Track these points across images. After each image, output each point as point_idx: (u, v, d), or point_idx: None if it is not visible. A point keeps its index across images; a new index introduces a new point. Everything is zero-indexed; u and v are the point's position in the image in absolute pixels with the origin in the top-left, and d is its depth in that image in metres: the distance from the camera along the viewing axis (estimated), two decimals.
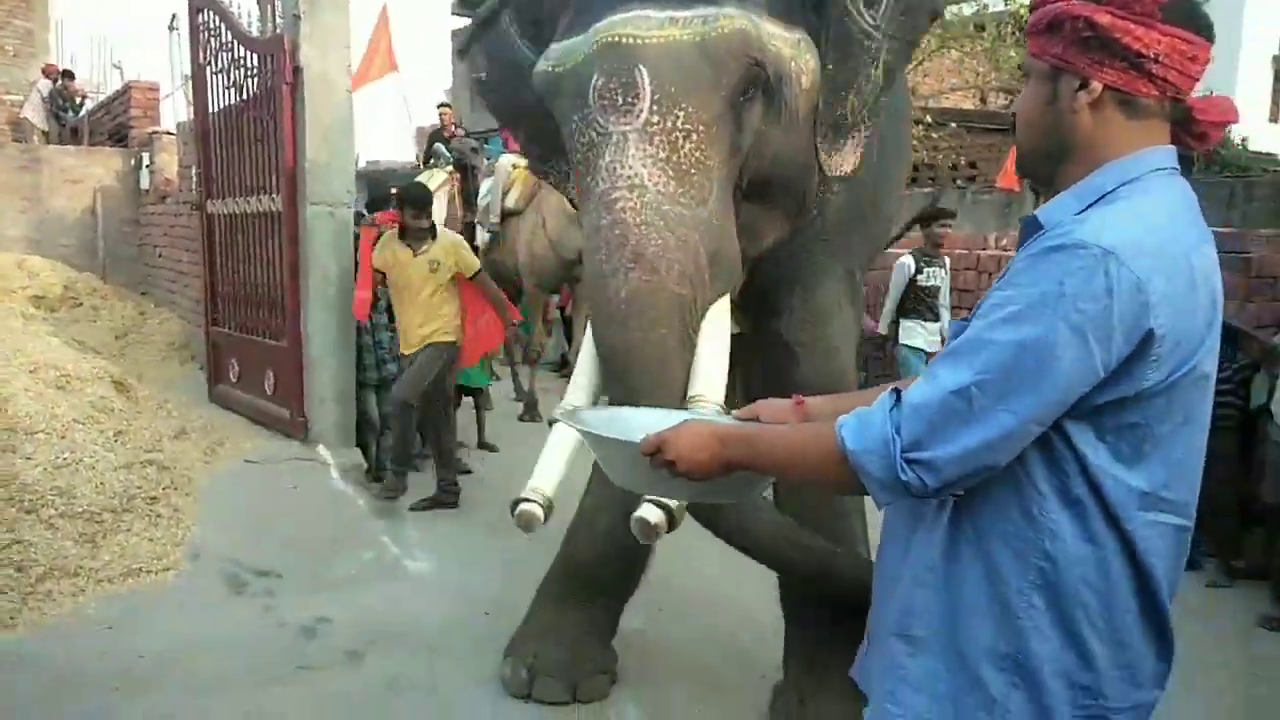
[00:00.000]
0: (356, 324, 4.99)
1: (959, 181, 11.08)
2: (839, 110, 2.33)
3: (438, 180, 8.11)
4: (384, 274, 4.62)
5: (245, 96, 5.38)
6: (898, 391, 1.17)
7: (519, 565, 3.73)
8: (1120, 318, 1.06)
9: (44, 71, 12.19)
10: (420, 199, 4.59)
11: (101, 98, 12.41)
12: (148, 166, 8.57)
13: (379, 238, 4.68)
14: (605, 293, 2.00)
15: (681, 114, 2.01)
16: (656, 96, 2.00)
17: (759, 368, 2.86)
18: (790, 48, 2.17)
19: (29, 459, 3.95)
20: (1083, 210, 1.15)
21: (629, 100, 2.00)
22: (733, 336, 2.84)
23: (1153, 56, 1.13)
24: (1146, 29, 1.13)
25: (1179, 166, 1.20)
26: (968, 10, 10.95)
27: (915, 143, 10.40)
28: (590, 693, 2.92)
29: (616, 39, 2.02)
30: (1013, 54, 11.02)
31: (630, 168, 2.00)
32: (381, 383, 5.11)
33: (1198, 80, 1.18)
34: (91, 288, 8.01)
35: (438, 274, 4.54)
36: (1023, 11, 10.00)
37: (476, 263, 4.72)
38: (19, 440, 4.03)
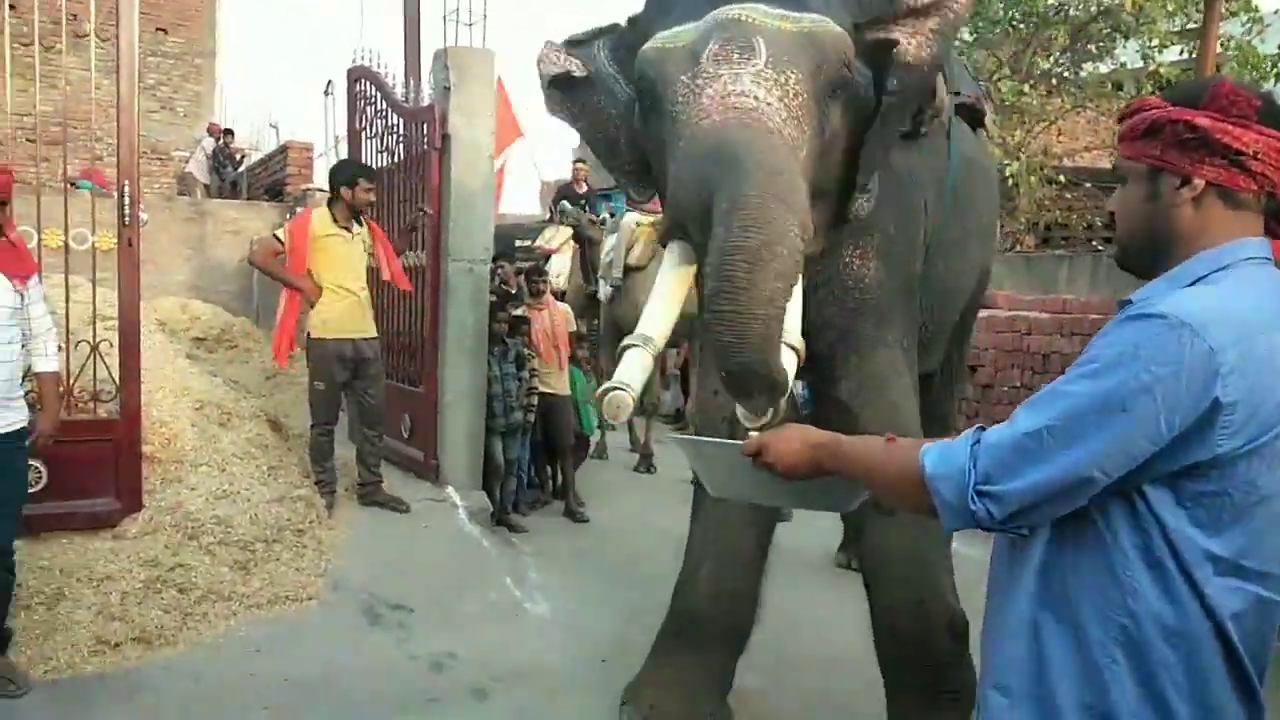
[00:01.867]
0: (488, 374, 5.24)
1: (1095, 243, 10.75)
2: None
3: (562, 236, 8.44)
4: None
5: (396, 159, 5.78)
6: (982, 429, 1.28)
7: (635, 613, 3.84)
8: (1189, 383, 1.14)
9: (209, 130, 13.30)
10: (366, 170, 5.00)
11: (259, 156, 13.43)
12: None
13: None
14: (712, 127, 2.09)
15: (792, 75, 2.16)
16: (771, 58, 2.15)
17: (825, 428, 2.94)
18: (863, 76, 2.39)
19: (193, 489, 4.31)
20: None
21: (746, 56, 2.15)
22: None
23: (1251, 154, 1.24)
24: (1244, 129, 1.24)
25: (1271, 257, 1.28)
26: (1104, 68, 10.73)
27: (1049, 202, 10.18)
28: None
29: (736, 17, 2.20)
30: None
31: (744, 87, 2.11)
32: (508, 429, 5.33)
33: None
34: (246, 331, 8.60)
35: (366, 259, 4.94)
36: (1162, 70, 9.74)
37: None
38: (185, 471, 4.41)
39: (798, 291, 2.15)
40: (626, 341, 2.18)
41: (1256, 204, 1.28)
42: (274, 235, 5.01)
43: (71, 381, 4.05)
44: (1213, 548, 1.19)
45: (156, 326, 7.23)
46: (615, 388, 2.09)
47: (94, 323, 4.19)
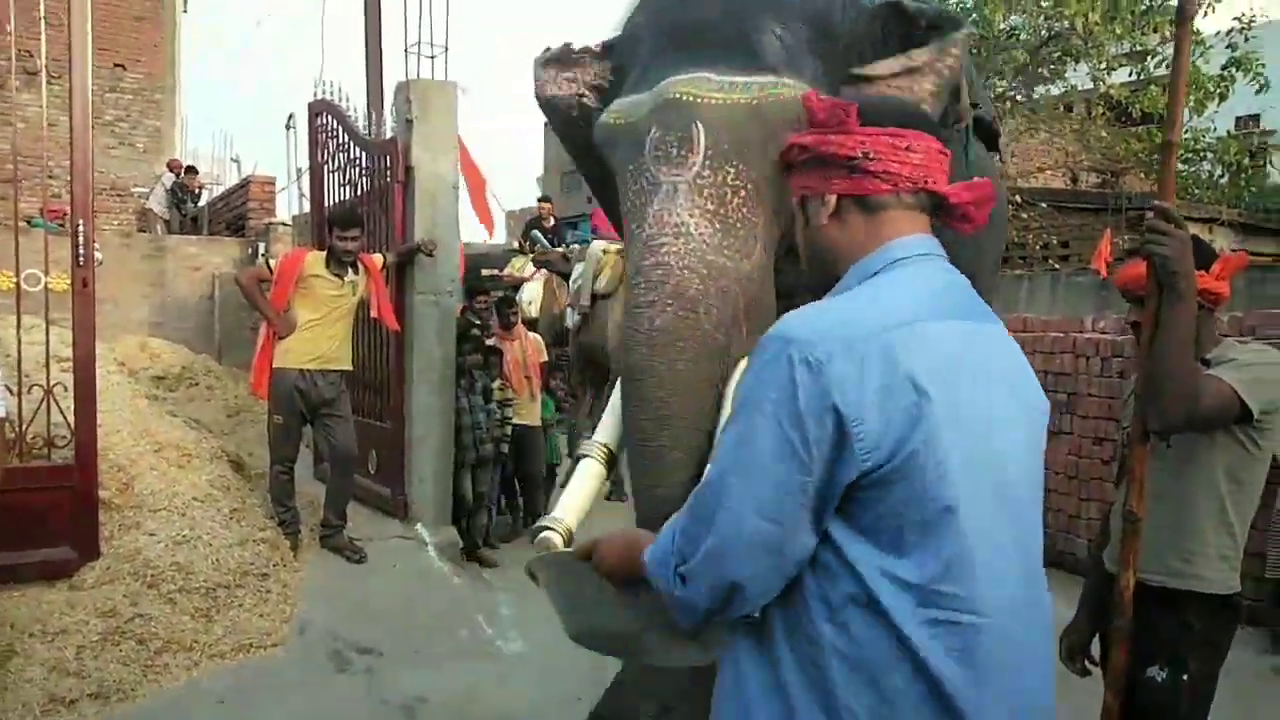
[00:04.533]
0: (455, 406, 5.17)
1: (1051, 262, 10.89)
2: None
3: (531, 267, 8.41)
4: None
5: (359, 192, 5.73)
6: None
7: None
8: (806, 401, 1.09)
9: (169, 166, 13.16)
10: (346, 218, 4.78)
11: (220, 189, 13.29)
12: (263, 255, 9.11)
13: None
14: (638, 322, 2.00)
15: (732, 170, 2.06)
16: (710, 152, 2.05)
17: None
18: None
19: (152, 535, 4.18)
20: None
21: (683, 153, 2.06)
22: None
23: (863, 155, 1.22)
24: (846, 136, 1.23)
25: (930, 252, 1.25)
26: (1055, 90, 10.94)
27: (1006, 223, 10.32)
28: None
29: (677, 96, 2.09)
30: (1103, 134, 10.90)
31: (678, 215, 2.04)
32: (479, 462, 5.26)
33: (924, 167, 1.24)
34: (207, 368, 8.46)
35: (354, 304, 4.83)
36: (1113, 91, 9.94)
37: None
38: (144, 517, 4.28)
39: None
40: (581, 451, 2.20)
41: (901, 202, 1.25)
42: (266, 262, 4.95)
43: (24, 427, 3.93)
44: (904, 574, 1.10)
45: (115, 366, 7.08)
46: (545, 527, 2.03)
47: (48, 365, 4.07)
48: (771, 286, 2.18)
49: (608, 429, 2.20)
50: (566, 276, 7.86)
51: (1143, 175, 11.39)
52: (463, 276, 6.08)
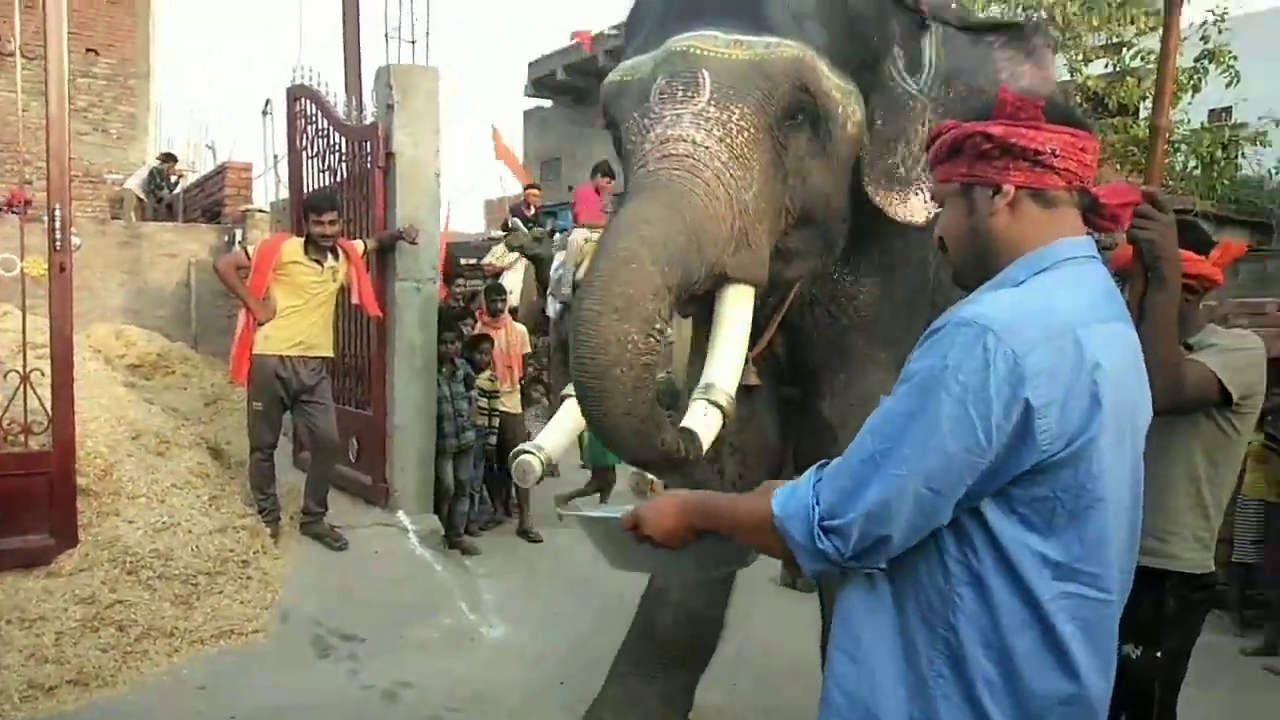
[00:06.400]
0: (438, 394, 5.17)
1: None
2: (889, 159, 2.45)
3: (513, 255, 8.40)
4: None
5: (339, 179, 5.68)
6: (826, 463, 1.26)
7: (592, 632, 3.79)
8: (997, 389, 1.13)
9: (159, 159, 13.04)
10: (321, 203, 4.73)
11: (195, 177, 13.13)
12: (240, 242, 9.01)
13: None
14: (641, 178, 2.07)
15: (736, 112, 2.14)
16: (715, 95, 2.13)
17: (803, 446, 2.96)
18: (840, 93, 2.32)
19: (131, 522, 4.16)
20: None
21: (689, 94, 2.14)
22: (784, 407, 2.94)
23: (1050, 151, 1.27)
24: (1036, 130, 1.27)
25: (1095, 255, 1.30)
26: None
27: None
28: None
29: (684, 49, 2.19)
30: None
31: (683, 130, 2.10)
32: (460, 450, 5.25)
33: (1093, 169, 1.30)
34: (184, 356, 8.36)
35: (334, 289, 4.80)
36: (1089, 82, 9.98)
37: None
38: (122, 504, 4.25)
39: (731, 340, 2.12)
40: (566, 391, 2.17)
41: (1070, 199, 1.30)
42: (243, 249, 4.90)
43: (1, 413, 3.89)
44: (1048, 551, 1.19)
45: (91, 354, 7.00)
46: (524, 451, 2.11)
47: (24, 352, 4.03)
48: (762, 233, 2.19)
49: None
50: (536, 259, 7.91)
51: (1118, 167, 11.49)
52: (443, 265, 6.06)
